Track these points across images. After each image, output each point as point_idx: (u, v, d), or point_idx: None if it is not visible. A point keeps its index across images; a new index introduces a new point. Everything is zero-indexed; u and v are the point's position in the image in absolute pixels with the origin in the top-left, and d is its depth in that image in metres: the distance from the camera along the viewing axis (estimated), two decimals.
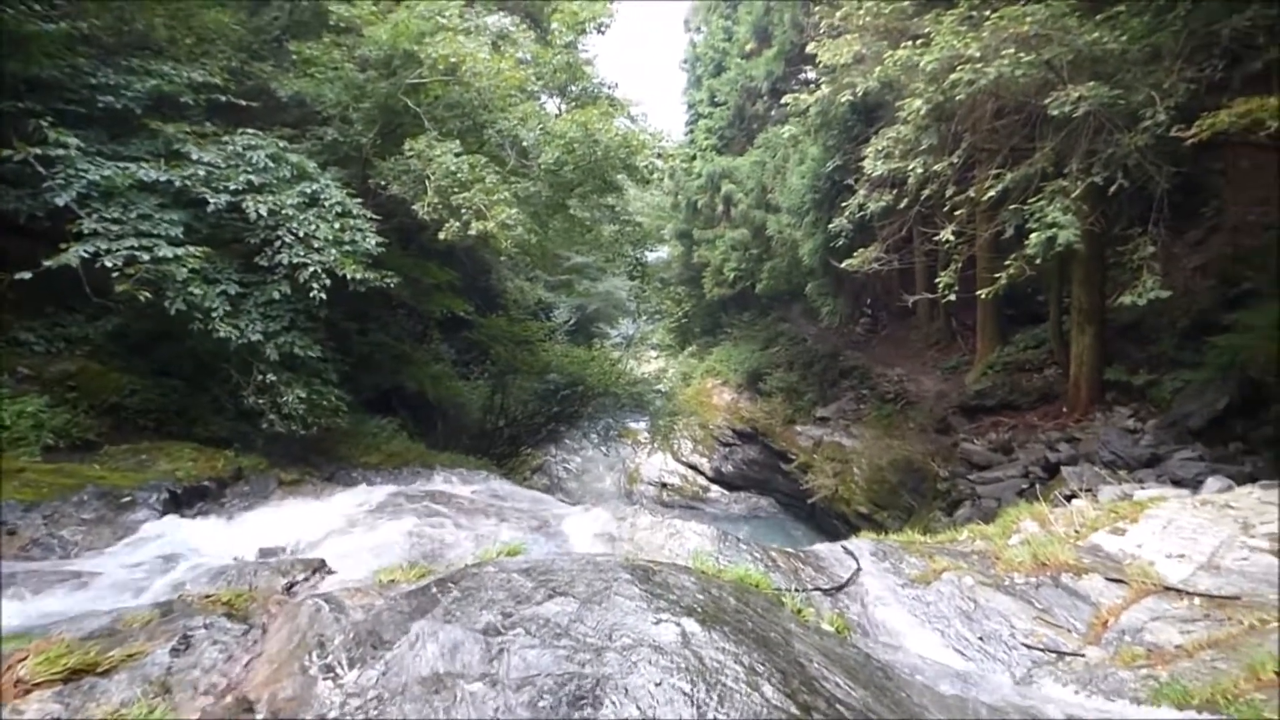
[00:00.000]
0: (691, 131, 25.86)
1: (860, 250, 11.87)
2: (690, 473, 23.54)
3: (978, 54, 8.37)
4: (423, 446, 11.85)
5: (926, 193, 10.20)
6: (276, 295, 7.97)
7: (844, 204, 11.68)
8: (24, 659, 2.82)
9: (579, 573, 3.62)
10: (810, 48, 11.19)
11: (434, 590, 3.45)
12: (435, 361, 16.30)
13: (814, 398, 21.17)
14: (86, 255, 6.68)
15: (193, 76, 8.61)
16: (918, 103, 9.25)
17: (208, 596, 3.75)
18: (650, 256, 21.28)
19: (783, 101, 12.96)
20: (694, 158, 24.10)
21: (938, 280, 10.47)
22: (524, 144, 10.12)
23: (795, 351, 23.05)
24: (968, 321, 17.93)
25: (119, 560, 5.22)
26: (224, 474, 7.46)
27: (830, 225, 12.88)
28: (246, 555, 5.51)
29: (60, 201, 6.93)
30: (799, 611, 4.25)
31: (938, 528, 10.49)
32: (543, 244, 11.49)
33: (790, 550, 6.10)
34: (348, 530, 6.49)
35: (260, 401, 8.02)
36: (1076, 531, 5.91)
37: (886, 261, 12.17)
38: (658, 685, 2.59)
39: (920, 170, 9.78)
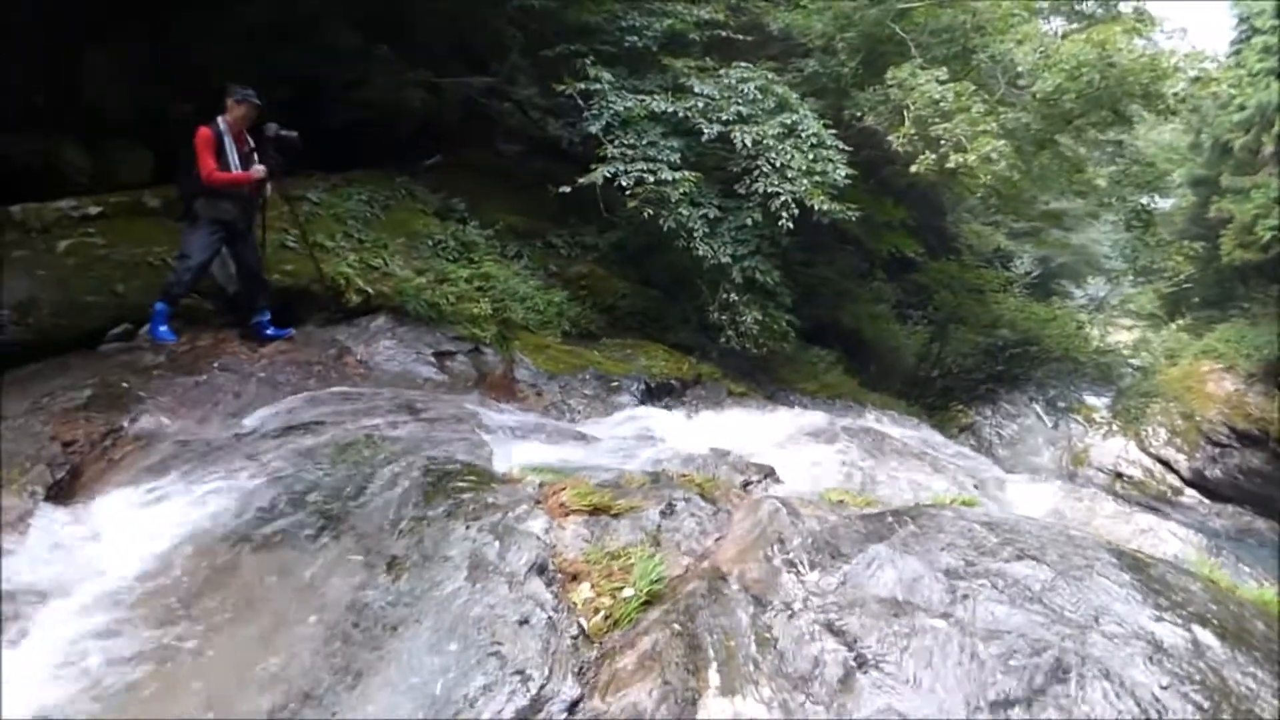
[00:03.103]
0: (1239, 52, 20.41)
1: None
2: (1158, 468, 19.72)
3: None
4: (855, 383, 11.90)
5: None
6: (749, 222, 8.54)
7: None
8: (563, 489, 3.56)
9: (1050, 541, 3.25)
10: None
11: (889, 519, 3.43)
12: (876, 301, 16.09)
13: None
14: (608, 176, 7.94)
15: (700, 15, 9.47)
16: None
17: (683, 475, 4.29)
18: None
19: None
20: (1236, 85, 19.03)
21: None
22: (1018, 69, 9.07)
23: None
24: None
25: (609, 431, 6.27)
26: (687, 376, 8.43)
27: None
28: (699, 450, 6.19)
29: (593, 129, 8.31)
30: None
31: None
32: (1020, 183, 10.31)
33: None
34: (785, 447, 6.83)
35: (722, 318, 8.81)
36: None
37: None
38: (1164, 689, 2.22)
39: None
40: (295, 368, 5.55)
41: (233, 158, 5.27)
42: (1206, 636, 2.57)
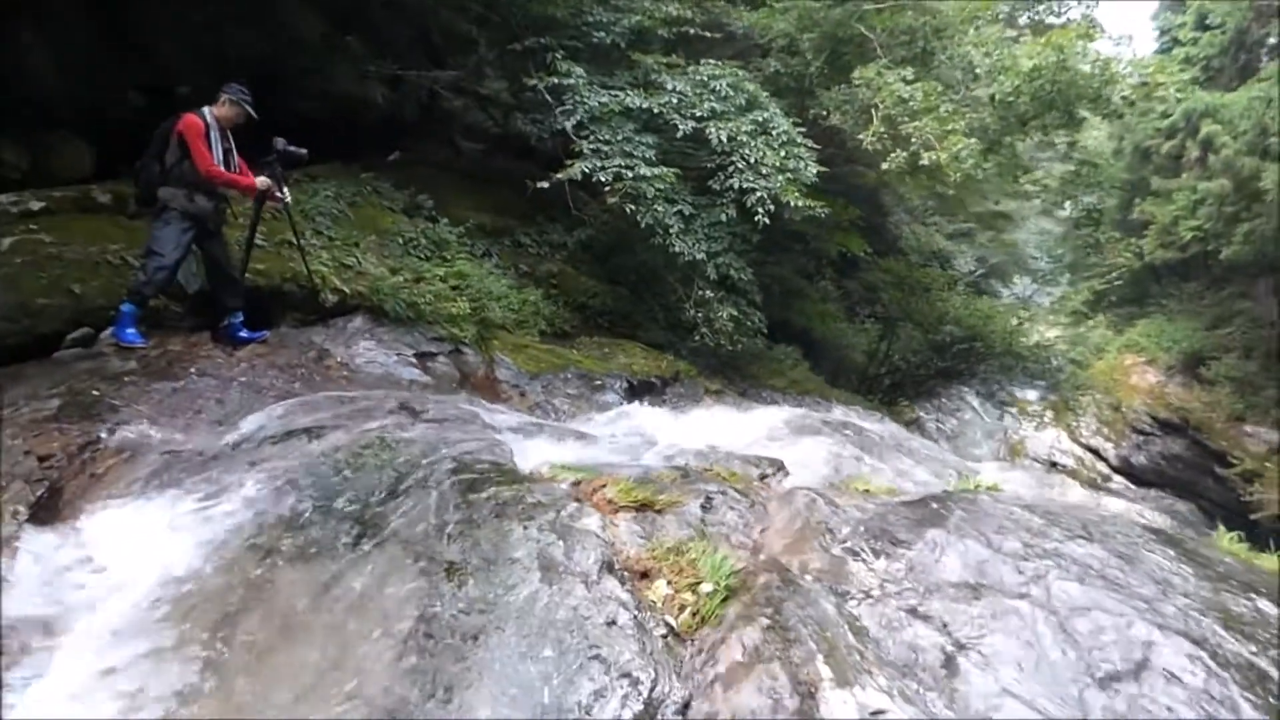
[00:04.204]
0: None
1: None
2: (1089, 456, 20.65)
3: None
4: (821, 379, 12.05)
5: None
6: (722, 218, 8.51)
7: None
8: (603, 485, 3.43)
9: (1087, 521, 3.31)
10: None
11: (933, 505, 3.43)
12: (824, 300, 16.33)
13: (1277, 395, 17.15)
14: (586, 171, 7.80)
15: (668, 11, 9.39)
16: None
17: (707, 470, 4.20)
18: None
19: None
20: (1181, 89, 19.96)
21: None
22: (977, 71, 9.32)
23: (1256, 336, 18.67)
24: None
25: (603, 429, 6.12)
26: (666, 374, 8.35)
27: None
28: (700, 445, 6.10)
29: (567, 125, 8.15)
30: None
31: None
32: (980, 182, 10.59)
33: None
34: (770, 441, 6.81)
35: (697, 315, 8.75)
36: None
37: None
38: (1254, 654, 2.25)
39: None
40: (277, 371, 5.24)
41: (217, 153, 4.97)
42: (1265, 604, 2.63)
